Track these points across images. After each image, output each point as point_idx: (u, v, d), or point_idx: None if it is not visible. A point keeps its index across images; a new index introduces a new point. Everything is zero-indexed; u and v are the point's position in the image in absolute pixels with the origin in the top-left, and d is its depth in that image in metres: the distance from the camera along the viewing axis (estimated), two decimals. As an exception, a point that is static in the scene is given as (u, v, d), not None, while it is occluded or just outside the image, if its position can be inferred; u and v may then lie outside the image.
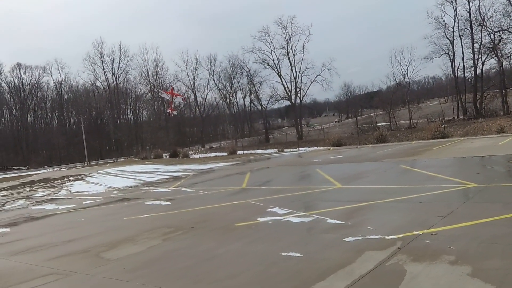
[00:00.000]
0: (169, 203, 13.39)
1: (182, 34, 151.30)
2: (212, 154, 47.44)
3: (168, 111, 45.32)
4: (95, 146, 74.57)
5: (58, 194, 20.73)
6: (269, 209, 10.21)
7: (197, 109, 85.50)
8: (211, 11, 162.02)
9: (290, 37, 67.08)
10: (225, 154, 44.30)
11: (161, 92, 48.96)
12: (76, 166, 53.93)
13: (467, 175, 12.08)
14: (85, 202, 15.91)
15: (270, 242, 7.31)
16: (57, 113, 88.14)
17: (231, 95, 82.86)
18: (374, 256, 5.91)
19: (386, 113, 62.70)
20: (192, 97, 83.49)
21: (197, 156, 48.12)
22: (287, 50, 67.73)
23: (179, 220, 10.18)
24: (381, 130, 44.36)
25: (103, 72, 79.84)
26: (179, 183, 19.35)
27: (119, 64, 79.68)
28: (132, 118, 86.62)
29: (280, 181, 16.56)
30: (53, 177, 34.64)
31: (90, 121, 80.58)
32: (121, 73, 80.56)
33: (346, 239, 6.88)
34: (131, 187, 20.05)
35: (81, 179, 28.91)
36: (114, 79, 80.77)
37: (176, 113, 52.81)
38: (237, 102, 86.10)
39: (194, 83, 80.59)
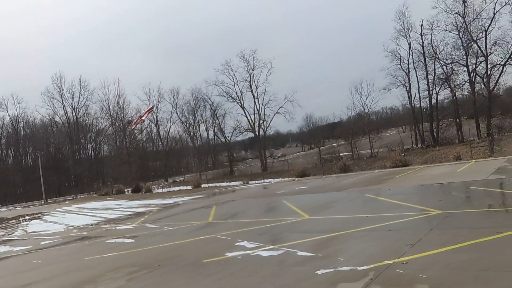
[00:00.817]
0: (133, 240, 12.89)
1: (144, 66, 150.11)
2: (176, 188, 46.61)
3: (132, 125, 47.68)
4: (53, 182, 71.81)
5: (12, 235, 19.63)
6: (237, 243, 9.98)
7: (160, 143, 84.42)
8: (172, 43, 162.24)
9: (253, 70, 68.02)
10: (189, 187, 43.61)
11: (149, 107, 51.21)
12: (32, 205, 51.60)
13: (430, 202, 12.30)
14: (42, 243, 15.09)
15: (241, 278, 7.08)
16: (12, 150, 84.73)
17: (194, 128, 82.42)
18: (348, 288, 5.80)
19: (348, 143, 63.92)
20: (155, 131, 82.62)
21: (160, 190, 47.13)
22: (250, 83, 68.53)
23: (144, 258, 9.77)
24: (344, 160, 45.04)
25: (62, 106, 78.04)
26: (142, 219, 18.76)
27: (79, 98, 78.15)
28: (92, 153, 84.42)
29: (247, 214, 16.34)
30: (8, 217, 32.91)
31: (48, 157, 77.80)
32: (81, 107, 78.91)
33: (318, 272, 6.75)
34: (92, 225, 19.26)
35: (38, 218, 27.58)
36: (74, 114, 78.98)
37: (132, 127, 55.05)
38: (200, 135, 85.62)
39: (157, 116, 79.66)
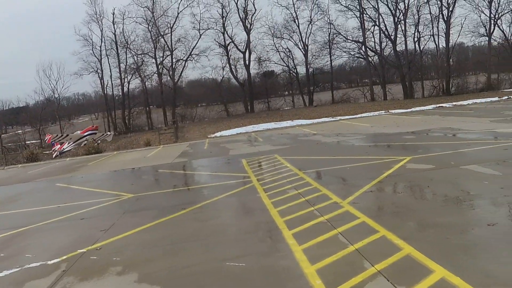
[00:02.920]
0: None
1: None
2: None
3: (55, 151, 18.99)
4: None
5: None
6: None
7: None
8: None
9: None
10: None
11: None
12: None
13: (123, 187, 12.69)
14: None
15: None
16: None
17: None
18: (38, 285, 5.40)
19: (36, 130, 58.79)
20: None
21: None
22: None
23: None
24: (32, 148, 41.24)
25: None
26: None
27: None
28: None
29: None
30: None
31: None
32: None
33: (1, 274, 6.00)
34: None
35: None
36: None
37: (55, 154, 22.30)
38: None
39: None
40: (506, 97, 31.75)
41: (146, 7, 54.41)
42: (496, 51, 49.72)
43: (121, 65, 56.37)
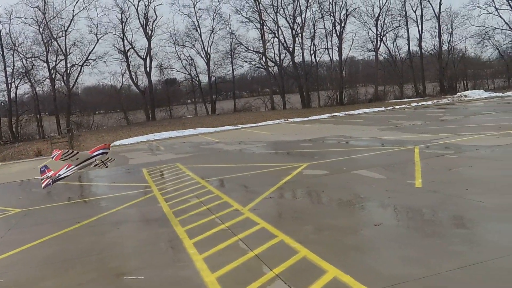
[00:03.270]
0: None
1: None
2: None
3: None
4: None
5: None
6: None
7: None
8: None
9: None
10: None
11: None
12: None
13: (9, 202, 11.64)
14: None
15: None
16: None
17: None
18: None
19: None
20: None
21: None
22: None
23: None
24: None
25: None
26: None
27: None
28: None
29: None
30: None
31: None
32: None
33: None
34: None
35: None
36: None
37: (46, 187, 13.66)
38: None
39: None
40: (391, 107, 34.82)
41: (36, 7, 50.67)
42: (382, 65, 54.41)
43: (7, 68, 51.73)
